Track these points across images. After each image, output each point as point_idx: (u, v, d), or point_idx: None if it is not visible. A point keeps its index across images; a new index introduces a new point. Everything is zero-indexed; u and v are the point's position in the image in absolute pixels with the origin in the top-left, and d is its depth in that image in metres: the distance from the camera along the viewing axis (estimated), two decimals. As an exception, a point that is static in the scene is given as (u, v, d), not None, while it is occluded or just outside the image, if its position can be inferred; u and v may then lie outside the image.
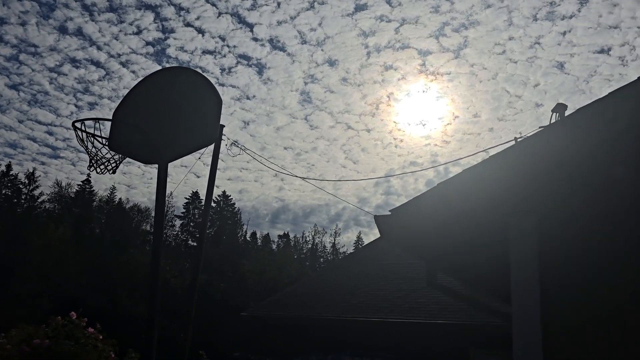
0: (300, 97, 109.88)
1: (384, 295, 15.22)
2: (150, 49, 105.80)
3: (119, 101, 6.40)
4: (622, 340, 3.94)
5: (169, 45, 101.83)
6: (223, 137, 18.62)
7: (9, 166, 64.40)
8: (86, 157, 5.99)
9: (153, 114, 6.04)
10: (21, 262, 42.52)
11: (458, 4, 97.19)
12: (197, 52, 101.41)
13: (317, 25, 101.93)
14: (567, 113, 9.71)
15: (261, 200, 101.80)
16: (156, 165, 6.12)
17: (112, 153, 5.83)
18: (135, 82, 5.97)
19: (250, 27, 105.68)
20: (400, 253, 14.92)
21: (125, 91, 5.67)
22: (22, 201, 63.44)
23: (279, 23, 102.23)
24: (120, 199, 74.35)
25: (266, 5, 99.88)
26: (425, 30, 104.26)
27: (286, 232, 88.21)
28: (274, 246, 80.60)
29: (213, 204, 75.50)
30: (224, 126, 18.75)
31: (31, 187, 63.92)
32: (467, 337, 12.27)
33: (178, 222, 73.94)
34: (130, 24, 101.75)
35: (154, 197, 6.00)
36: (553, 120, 9.11)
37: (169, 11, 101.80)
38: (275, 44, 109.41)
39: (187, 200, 74.47)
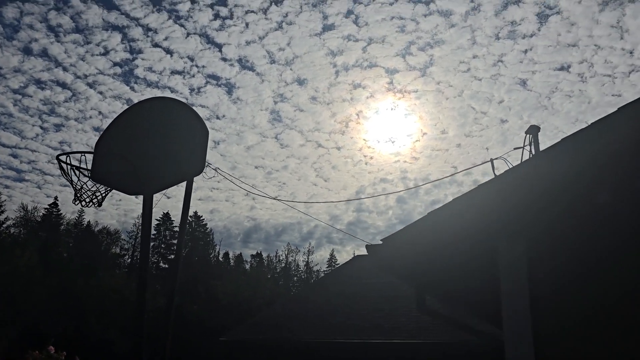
0: (270, 116, 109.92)
1: (365, 316, 15.21)
2: (118, 70, 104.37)
3: (101, 132, 6.33)
4: (612, 362, 4.06)
5: (137, 66, 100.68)
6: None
7: (-29, 190, 62.28)
8: (68, 188, 5.90)
9: (138, 144, 5.99)
10: (-15, 289, 40.96)
11: (423, 24, 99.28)
12: (165, 73, 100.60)
13: (286, 45, 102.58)
14: (536, 130, 10.03)
15: (233, 220, 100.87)
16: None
17: (98, 185, 5.73)
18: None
19: (219, 47, 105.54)
20: (378, 272, 14.99)
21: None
22: (-15, 226, 61.32)
23: (248, 43, 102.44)
24: (88, 221, 72.58)
25: (234, 25, 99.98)
26: (391, 49, 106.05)
27: (259, 252, 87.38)
28: (247, 266, 79.79)
29: (184, 225, 74.56)
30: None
31: (-5, 212, 61.88)
32: (450, 356, 12.35)
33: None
34: (97, 45, 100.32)
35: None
36: (526, 143, 9.38)
37: (136, 32, 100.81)
38: (244, 64, 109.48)
39: (157, 222, 73.20)
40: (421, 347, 12.82)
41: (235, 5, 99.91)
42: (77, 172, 5.48)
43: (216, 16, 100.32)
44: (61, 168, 5.40)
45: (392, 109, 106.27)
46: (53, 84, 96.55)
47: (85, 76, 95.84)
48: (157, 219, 73.19)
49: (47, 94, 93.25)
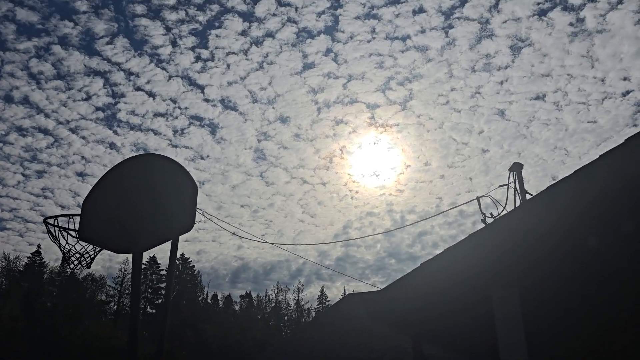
0: (255, 154, 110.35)
1: (359, 357, 14.97)
2: (101, 114, 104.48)
3: (89, 190, 6.28)
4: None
5: (120, 110, 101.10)
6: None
7: (-50, 241, 60.88)
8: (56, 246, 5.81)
9: (126, 202, 5.96)
10: (-35, 344, 39.60)
11: (401, 60, 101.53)
12: (148, 115, 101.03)
13: (267, 84, 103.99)
14: (519, 163, 10.20)
15: (220, 261, 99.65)
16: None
17: (86, 246, 5.67)
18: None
19: (201, 88, 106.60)
20: (373, 322, 14.82)
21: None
22: (-34, 278, 59.74)
23: (230, 84, 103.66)
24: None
25: (216, 67, 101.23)
26: (371, 84, 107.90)
27: (248, 292, 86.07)
28: (237, 307, 78.46)
29: (171, 267, 73.50)
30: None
31: (-25, 263, 60.41)
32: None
33: (135, 289, 71.08)
34: (79, 90, 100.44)
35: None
36: (510, 180, 9.53)
37: (118, 76, 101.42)
38: (227, 104, 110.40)
39: (144, 266, 71.98)
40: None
41: (216, 47, 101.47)
42: (64, 235, 5.42)
43: (197, 58, 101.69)
44: (49, 231, 5.34)
45: (375, 143, 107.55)
46: (35, 130, 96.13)
47: (68, 122, 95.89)
48: (143, 263, 71.97)
49: (29, 141, 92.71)
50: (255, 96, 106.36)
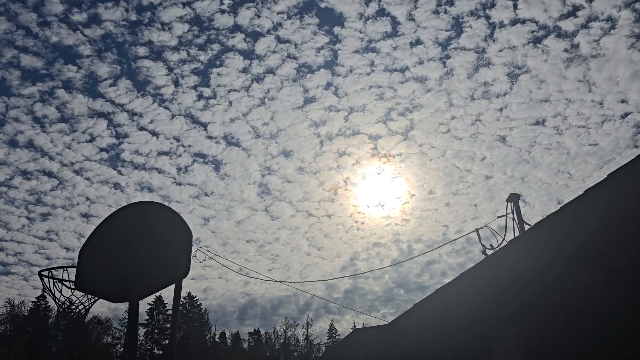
0: (259, 189, 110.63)
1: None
2: (105, 155, 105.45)
3: (85, 239, 6.32)
4: None
5: (124, 150, 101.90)
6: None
7: (-45, 288, 60.63)
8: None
9: (121, 251, 5.98)
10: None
11: (400, 91, 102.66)
12: (152, 154, 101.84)
13: (270, 120, 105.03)
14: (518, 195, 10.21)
15: (227, 297, 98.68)
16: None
17: (80, 297, 5.66)
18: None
19: (204, 126, 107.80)
20: (374, 345, 14.62)
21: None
22: (-29, 325, 59.31)
23: (232, 120, 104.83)
24: (78, 311, 70.59)
25: (218, 104, 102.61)
26: (372, 116, 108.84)
27: (256, 329, 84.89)
28: (245, 345, 77.30)
29: (178, 307, 72.67)
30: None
31: (-20, 309, 60.04)
32: None
33: (142, 330, 70.36)
34: (83, 132, 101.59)
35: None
36: (509, 211, 9.53)
37: (122, 117, 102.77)
38: (230, 140, 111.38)
39: (150, 306, 71.43)
40: None
41: (218, 85, 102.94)
42: (59, 286, 5.42)
43: (200, 97, 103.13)
44: (43, 284, 5.35)
45: (378, 174, 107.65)
46: (39, 173, 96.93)
47: (72, 164, 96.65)
48: (149, 303, 71.41)
49: (33, 184, 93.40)
50: (257, 131, 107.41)
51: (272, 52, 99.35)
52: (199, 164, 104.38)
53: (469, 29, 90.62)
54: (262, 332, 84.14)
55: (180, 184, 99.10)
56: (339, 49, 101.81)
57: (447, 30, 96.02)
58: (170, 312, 68.64)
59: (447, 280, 4.49)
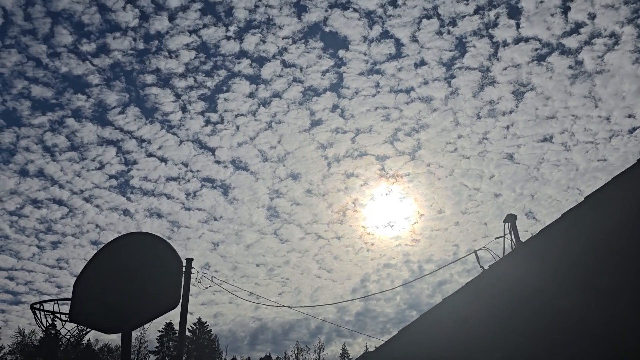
0: (267, 212, 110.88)
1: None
2: (114, 182, 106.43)
3: (80, 271, 6.41)
4: None
5: (133, 177, 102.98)
6: (193, 269, 18.48)
7: (-33, 319, 60.83)
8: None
9: (113, 283, 6.06)
10: None
11: (406, 111, 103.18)
12: (160, 180, 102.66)
13: (277, 143, 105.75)
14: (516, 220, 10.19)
15: (238, 322, 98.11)
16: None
17: (72, 329, 5.73)
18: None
19: (212, 151, 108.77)
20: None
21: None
22: (-18, 356, 59.30)
23: (240, 144, 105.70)
24: (88, 340, 70.45)
25: (225, 129, 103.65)
26: (379, 137, 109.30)
27: (268, 354, 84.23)
28: (256, 371, 76.48)
29: (188, 333, 72.31)
30: (192, 259, 18.67)
31: (-9, 340, 60.11)
32: None
33: (152, 358, 69.99)
34: (93, 160, 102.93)
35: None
36: (506, 232, 9.51)
37: (130, 144, 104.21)
38: (238, 165, 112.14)
39: (160, 333, 71.17)
40: None
41: (225, 110, 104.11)
42: (50, 319, 5.50)
43: (207, 122, 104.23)
44: (36, 317, 5.43)
45: (387, 194, 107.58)
46: (49, 202, 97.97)
47: (82, 191, 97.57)
48: (159, 330, 71.15)
49: (44, 213, 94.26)
50: (265, 155, 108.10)
51: (278, 77, 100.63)
52: (208, 188, 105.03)
53: (473, 49, 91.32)
54: (274, 357, 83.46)
55: (189, 209, 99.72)
56: (344, 72, 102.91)
57: (450, 51, 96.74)
58: (180, 338, 68.21)
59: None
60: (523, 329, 4.65)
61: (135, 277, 6.01)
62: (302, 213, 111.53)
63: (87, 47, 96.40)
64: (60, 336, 5.50)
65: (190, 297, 18.06)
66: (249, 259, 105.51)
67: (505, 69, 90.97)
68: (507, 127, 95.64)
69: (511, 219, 9.70)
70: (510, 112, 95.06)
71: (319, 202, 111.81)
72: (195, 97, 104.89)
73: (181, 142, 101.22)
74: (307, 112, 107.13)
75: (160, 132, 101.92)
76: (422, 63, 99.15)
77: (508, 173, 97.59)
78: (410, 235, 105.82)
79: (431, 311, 4.70)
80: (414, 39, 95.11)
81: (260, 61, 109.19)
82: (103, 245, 6.18)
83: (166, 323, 71.16)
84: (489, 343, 4.68)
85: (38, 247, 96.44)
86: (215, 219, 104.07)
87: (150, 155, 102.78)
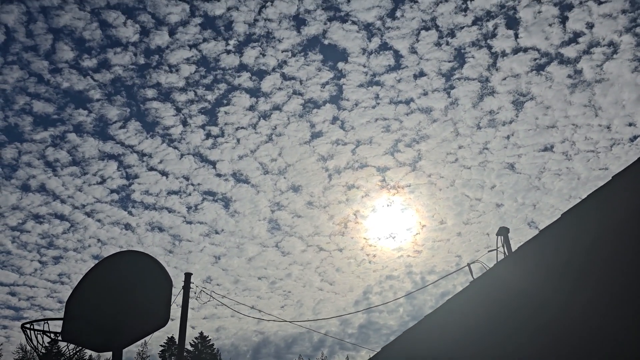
0: (269, 225, 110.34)
1: None
2: (115, 196, 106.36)
3: (72, 290, 6.48)
4: None
5: (134, 191, 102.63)
6: (192, 284, 18.48)
7: (-31, 336, 60.52)
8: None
9: (105, 301, 6.12)
10: None
11: (406, 122, 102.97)
12: (162, 194, 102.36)
13: (277, 155, 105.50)
14: (511, 236, 10.22)
15: (240, 336, 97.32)
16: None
17: (62, 348, 5.78)
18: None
19: (213, 164, 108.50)
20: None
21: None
22: (-17, 373, 58.95)
23: (240, 157, 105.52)
24: (90, 355, 70.08)
25: (226, 142, 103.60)
26: (380, 148, 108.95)
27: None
28: (259, 385, 75.79)
29: (190, 348, 71.90)
30: (191, 274, 18.69)
31: (-8, 357, 59.81)
32: None
33: (154, 373, 69.49)
34: (94, 175, 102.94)
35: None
36: (499, 244, 9.57)
37: (132, 158, 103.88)
38: (239, 177, 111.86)
39: (162, 347, 70.74)
40: None
41: (226, 124, 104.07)
42: (41, 339, 5.55)
43: (208, 135, 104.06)
44: (27, 336, 5.48)
45: (388, 205, 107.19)
46: (51, 217, 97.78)
47: (83, 206, 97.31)
48: (161, 345, 70.74)
49: (45, 228, 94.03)
50: (266, 168, 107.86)
51: (277, 89, 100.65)
52: (209, 202, 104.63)
53: (472, 59, 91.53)
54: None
55: (190, 223, 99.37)
56: (343, 84, 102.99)
57: (449, 61, 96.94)
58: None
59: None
60: (510, 339, 4.70)
61: (125, 296, 6.07)
62: (303, 225, 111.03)
63: (88, 62, 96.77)
64: (60, 356, 5.54)
65: (192, 311, 18.07)
66: (251, 272, 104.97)
67: (504, 79, 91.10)
68: (508, 137, 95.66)
69: (504, 231, 9.75)
70: (511, 122, 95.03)
71: (320, 214, 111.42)
72: (195, 110, 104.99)
73: (182, 155, 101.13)
74: (307, 124, 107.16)
75: (161, 145, 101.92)
76: (422, 74, 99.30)
77: (509, 183, 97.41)
78: (412, 247, 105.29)
79: (417, 325, 4.75)
80: (413, 51, 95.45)
81: (260, 74, 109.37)
82: (95, 264, 6.25)
83: (168, 337, 70.78)
84: (480, 350, 4.73)
85: (40, 262, 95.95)
86: (216, 232, 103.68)
87: (151, 169, 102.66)
